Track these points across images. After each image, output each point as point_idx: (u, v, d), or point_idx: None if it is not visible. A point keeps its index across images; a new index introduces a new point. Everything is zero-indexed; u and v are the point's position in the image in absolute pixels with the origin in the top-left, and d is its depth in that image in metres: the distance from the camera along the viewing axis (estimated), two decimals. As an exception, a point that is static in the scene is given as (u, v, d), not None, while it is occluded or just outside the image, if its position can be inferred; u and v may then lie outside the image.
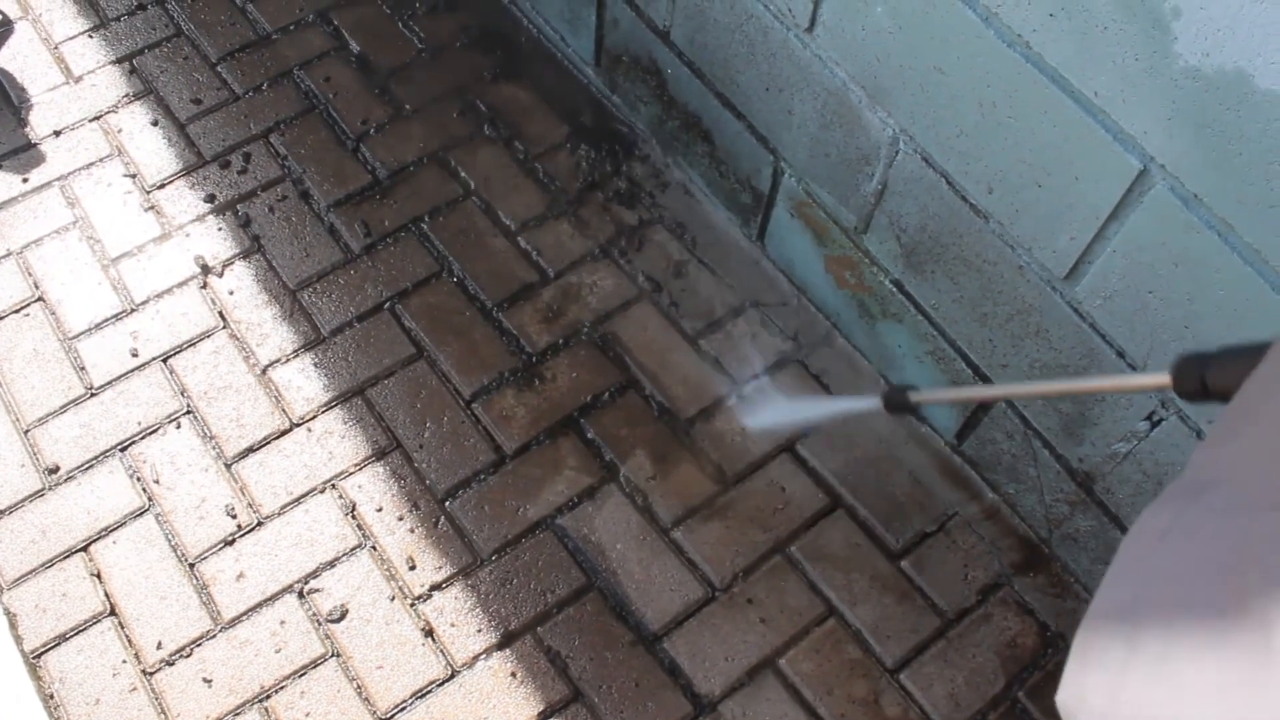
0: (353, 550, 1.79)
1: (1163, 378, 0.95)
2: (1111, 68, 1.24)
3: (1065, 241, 1.42)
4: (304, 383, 1.95)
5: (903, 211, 1.67)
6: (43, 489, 1.84)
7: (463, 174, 2.19)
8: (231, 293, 2.04)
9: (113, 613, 1.75)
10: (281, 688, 1.69)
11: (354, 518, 1.82)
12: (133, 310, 2.02)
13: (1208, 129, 1.17)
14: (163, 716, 1.67)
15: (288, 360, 1.97)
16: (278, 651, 1.71)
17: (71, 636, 1.73)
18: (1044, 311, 1.53)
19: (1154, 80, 1.20)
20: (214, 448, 1.88)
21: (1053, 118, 1.34)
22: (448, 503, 1.84)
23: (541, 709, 1.67)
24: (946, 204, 1.58)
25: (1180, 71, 1.17)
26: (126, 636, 1.73)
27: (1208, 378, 0.92)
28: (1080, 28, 1.24)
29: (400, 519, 1.82)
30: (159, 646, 1.72)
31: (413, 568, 1.78)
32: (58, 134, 2.24)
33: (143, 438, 1.89)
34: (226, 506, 1.83)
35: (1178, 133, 1.21)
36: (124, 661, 1.71)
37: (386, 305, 2.03)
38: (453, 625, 1.74)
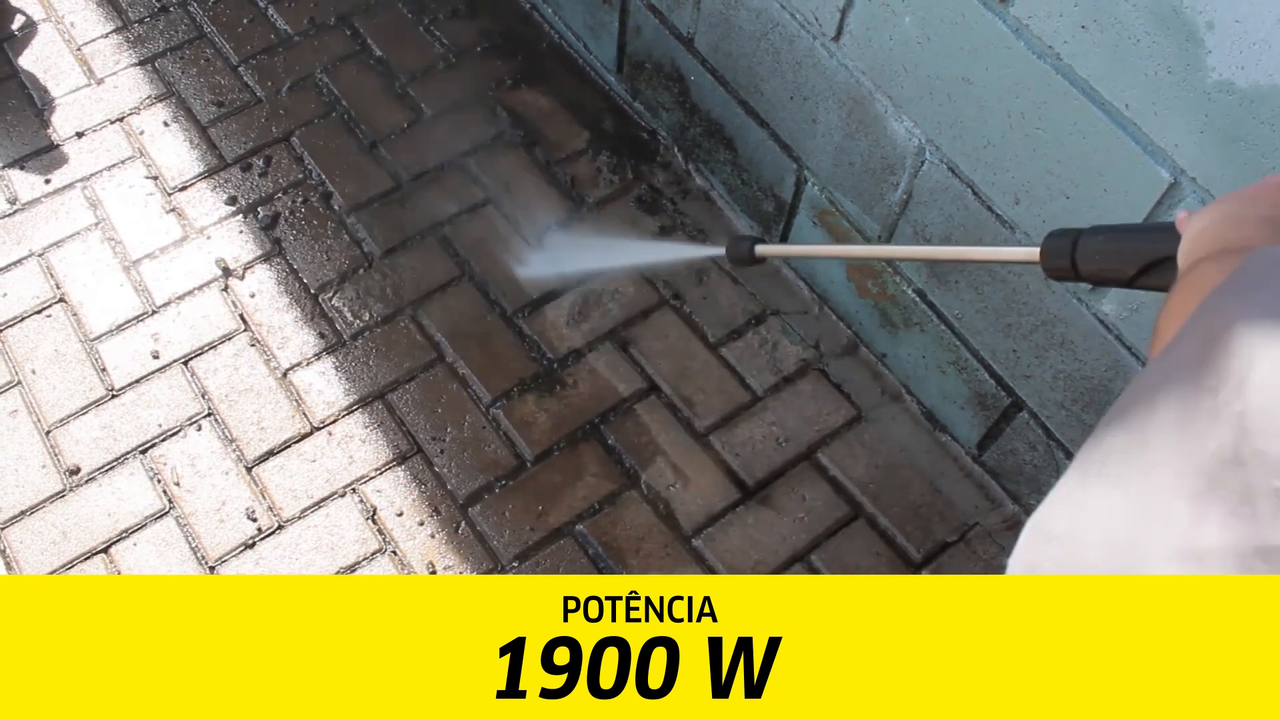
0: (373, 555, 1.80)
1: (1032, 253, 0.93)
2: (1143, 80, 1.24)
3: (1093, 253, 1.42)
4: (325, 386, 1.95)
5: (927, 221, 1.67)
6: (63, 490, 1.85)
7: (483, 179, 2.19)
8: (252, 295, 2.05)
9: (133, 614, 1.75)
10: (301, 691, 1.69)
11: (375, 522, 1.82)
12: (154, 312, 2.03)
13: (1241, 142, 1.17)
14: (183, 719, 1.67)
15: (308, 363, 1.98)
16: (298, 655, 1.71)
17: (92, 638, 1.73)
18: (1069, 323, 1.53)
19: (1186, 93, 1.20)
20: (234, 450, 1.89)
21: (1082, 129, 1.34)
22: (469, 508, 1.84)
23: (561, 716, 1.67)
24: (972, 214, 1.58)
25: (1214, 85, 1.17)
26: (147, 638, 1.73)
27: (1077, 258, 0.88)
28: (1112, 40, 1.24)
29: (421, 524, 1.82)
30: (179, 649, 1.72)
31: (433, 573, 1.78)
32: (80, 135, 2.24)
33: (163, 440, 1.90)
34: (247, 509, 1.83)
35: (1209, 146, 1.21)
36: (144, 663, 1.71)
37: (407, 310, 2.03)
38: (473, 631, 1.73)
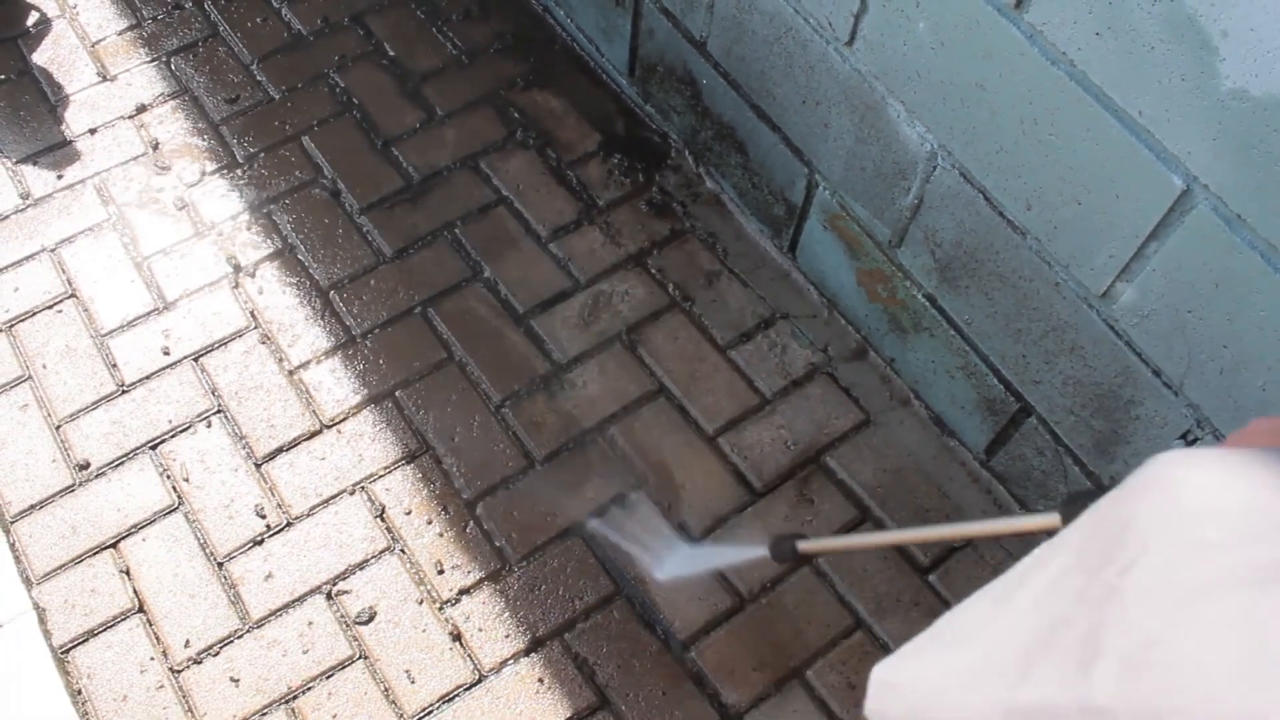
0: (381, 553, 1.80)
1: (1053, 519, 0.91)
2: (1157, 87, 1.24)
3: (1104, 259, 1.42)
4: (334, 384, 1.96)
5: (938, 226, 1.67)
6: (73, 485, 1.85)
7: (495, 180, 2.20)
8: (263, 293, 2.05)
9: (141, 610, 1.75)
10: (309, 689, 1.69)
11: (383, 520, 1.83)
12: (165, 309, 2.03)
13: (1254, 150, 1.18)
14: (189, 715, 1.67)
15: (318, 361, 1.98)
16: (305, 652, 1.72)
17: (100, 632, 1.74)
18: (1079, 329, 1.53)
19: (1200, 100, 1.20)
20: (244, 447, 1.89)
21: (1095, 136, 1.34)
22: (476, 507, 1.84)
23: (568, 715, 1.67)
24: (984, 220, 1.58)
25: (1227, 92, 1.17)
26: (155, 634, 1.73)
27: None
28: (1126, 47, 1.25)
29: (429, 522, 1.83)
30: (187, 645, 1.72)
31: (441, 571, 1.78)
32: (93, 132, 2.25)
33: (173, 436, 1.90)
34: (256, 506, 1.84)
35: (1223, 153, 1.21)
36: (152, 659, 1.71)
37: (417, 309, 2.04)
38: (480, 630, 1.74)
